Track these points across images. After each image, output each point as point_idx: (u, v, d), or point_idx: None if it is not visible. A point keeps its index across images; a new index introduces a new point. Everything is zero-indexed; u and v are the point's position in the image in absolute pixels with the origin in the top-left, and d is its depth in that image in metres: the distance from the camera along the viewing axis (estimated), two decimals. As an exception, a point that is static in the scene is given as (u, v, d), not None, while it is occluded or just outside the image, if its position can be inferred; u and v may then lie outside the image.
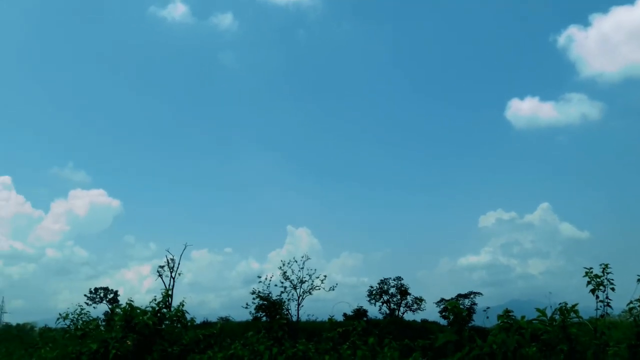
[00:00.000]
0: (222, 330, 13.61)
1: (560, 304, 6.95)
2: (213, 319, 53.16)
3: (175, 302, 13.30)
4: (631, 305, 7.83)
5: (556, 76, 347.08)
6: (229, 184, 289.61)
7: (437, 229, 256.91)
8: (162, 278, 46.42)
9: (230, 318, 47.65)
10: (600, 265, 7.64)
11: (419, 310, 68.47)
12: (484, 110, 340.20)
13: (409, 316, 67.88)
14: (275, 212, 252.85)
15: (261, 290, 37.20)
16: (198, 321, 18.40)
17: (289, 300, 39.25)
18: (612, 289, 7.57)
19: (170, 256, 47.13)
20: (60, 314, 14.38)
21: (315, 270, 41.77)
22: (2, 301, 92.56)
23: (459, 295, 68.72)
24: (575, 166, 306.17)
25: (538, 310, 7.00)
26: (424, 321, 66.23)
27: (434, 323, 65.02)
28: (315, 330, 38.86)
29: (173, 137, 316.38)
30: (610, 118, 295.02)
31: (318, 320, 47.72)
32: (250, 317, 40.21)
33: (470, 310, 64.38)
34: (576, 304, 6.91)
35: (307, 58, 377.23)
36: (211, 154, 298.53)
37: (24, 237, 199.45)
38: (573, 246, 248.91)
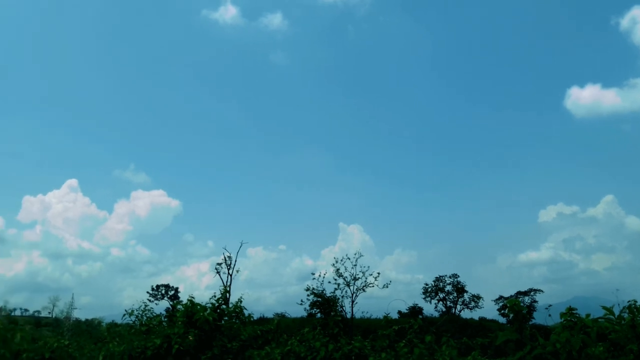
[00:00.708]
0: (278, 327, 13.84)
1: (629, 301, 6.64)
2: (269, 315, 54.23)
3: (232, 299, 13.67)
4: None
5: (619, 61, 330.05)
6: (281, 183, 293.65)
7: (494, 225, 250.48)
8: (219, 275, 47.71)
9: (286, 314, 48.31)
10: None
11: (476, 308, 67.15)
12: (542, 100, 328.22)
13: (466, 314, 66.68)
14: (327, 209, 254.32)
15: (315, 287, 37.31)
16: (255, 317, 18.77)
17: (342, 297, 39.19)
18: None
19: (227, 254, 48.41)
20: (126, 310, 15.02)
21: (368, 267, 41.49)
22: (72, 298, 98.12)
23: (519, 293, 66.76)
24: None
25: (604, 308, 6.70)
26: (482, 319, 64.81)
27: (493, 321, 63.49)
28: (369, 327, 38.78)
29: (229, 139, 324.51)
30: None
31: (372, 317, 47.58)
32: (305, 314, 40.54)
33: (531, 308, 62.42)
34: (646, 302, 6.58)
35: (356, 54, 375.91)
36: (264, 153, 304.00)
37: (90, 237, 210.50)
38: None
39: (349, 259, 40.97)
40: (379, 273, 41.38)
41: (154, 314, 14.68)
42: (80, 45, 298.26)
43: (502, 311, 64.98)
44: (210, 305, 12.32)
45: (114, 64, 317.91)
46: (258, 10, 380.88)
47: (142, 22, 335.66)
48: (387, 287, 42.45)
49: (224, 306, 12.58)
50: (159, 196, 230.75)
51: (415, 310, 62.10)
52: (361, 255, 41.32)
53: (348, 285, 40.05)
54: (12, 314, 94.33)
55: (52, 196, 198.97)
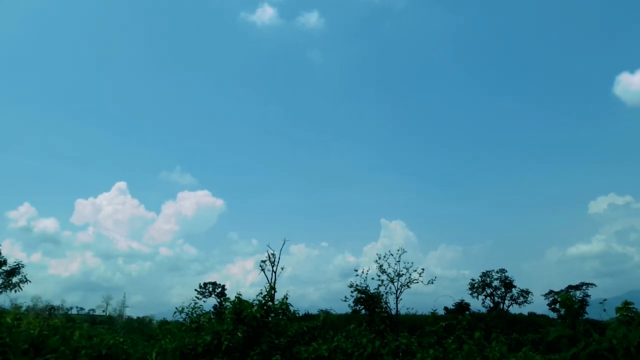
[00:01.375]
0: (324, 323, 13.95)
1: (690, 295, 6.36)
2: (313, 311, 54.52)
3: (277, 296, 13.83)
4: None
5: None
6: (322, 180, 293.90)
7: (542, 219, 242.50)
8: (264, 272, 48.26)
9: (331, 311, 48.45)
10: None
11: (525, 303, 65.32)
12: (590, 87, 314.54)
13: (514, 309, 65.01)
14: (368, 206, 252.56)
15: (359, 284, 37.22)
16: (300, 314, 18.95)
17: (386, 293, 38.92)
18: None
19: (270, 251, 48.88)
20: (176, 308, 15.49)
21: (412, 263, 40.95)
22: (124, 297, 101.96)
23: (570, 287, 64.59)
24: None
25: (663, 302, 6.45)
26: (532, 314, 63.10)
27: (543, 316, 61.74)
28: (415, 323, 38.43)
29: (270, 138, 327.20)
30: None
31: (418, 313, 47.06)
32: (349, 310, 40.55)
33: (583, 302, 60.32)
34: None
35: (394, 50, 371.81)
36: (305, 151, 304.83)
37: (140, 237, 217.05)
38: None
39: (392, 255, 40.69)
40: (423, 269, 40.84)
41: (203, 312, 15.05)
42: (123, 55, 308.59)
43: (553, 306, 63.16)
44: (257, 302, 12.53)
45: (158, 71, 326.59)
46: (295, 9, 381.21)
47: (184, 27, 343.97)
48: (432, 283, 41.80)
49: (270, 303, 12.77)
50: (204, 196, 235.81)
51: (462, 306, 61.01)
52: (404, 251, 40.95)
53: (392, 281, 39.78)
54: (69, 312, 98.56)
55: (103, 198, 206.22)
